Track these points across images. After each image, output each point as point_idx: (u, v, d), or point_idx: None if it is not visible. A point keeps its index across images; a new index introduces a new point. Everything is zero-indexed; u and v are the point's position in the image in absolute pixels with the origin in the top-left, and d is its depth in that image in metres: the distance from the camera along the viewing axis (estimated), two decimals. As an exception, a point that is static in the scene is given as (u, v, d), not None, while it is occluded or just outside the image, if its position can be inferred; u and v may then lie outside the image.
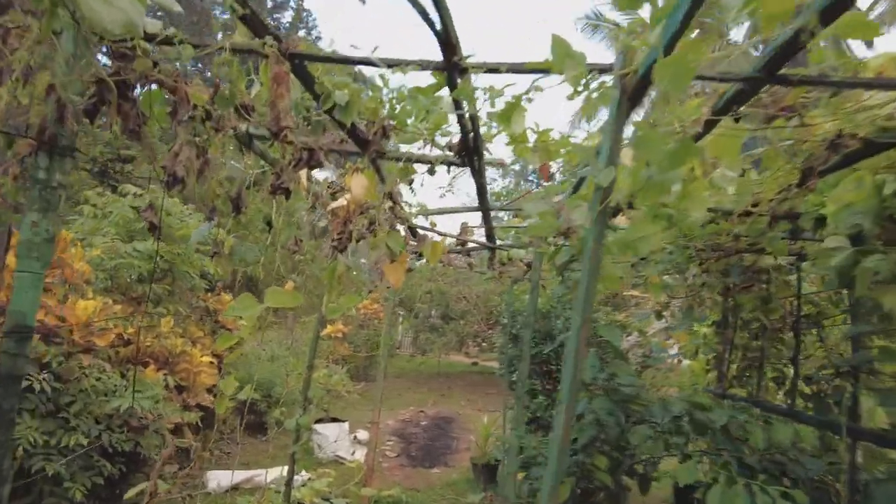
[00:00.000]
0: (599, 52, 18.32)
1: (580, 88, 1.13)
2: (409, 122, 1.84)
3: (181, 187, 1.55)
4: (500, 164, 2.08)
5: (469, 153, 1.78)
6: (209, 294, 7.66)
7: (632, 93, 1.11)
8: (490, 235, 3.38)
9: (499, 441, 6.73)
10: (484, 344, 14.36)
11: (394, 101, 1.72)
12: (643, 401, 2.03)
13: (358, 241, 3.00)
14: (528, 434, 5.62)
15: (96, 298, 4.63)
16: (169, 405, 4.80)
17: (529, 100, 1.35)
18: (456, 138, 1.82)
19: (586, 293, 1.08)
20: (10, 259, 4.22)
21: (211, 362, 6.11)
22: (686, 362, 6.36)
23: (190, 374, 5.63)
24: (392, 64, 1.30)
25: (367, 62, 1.34)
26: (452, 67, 1.27)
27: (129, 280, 5.69)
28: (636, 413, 2.05)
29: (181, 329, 6.29)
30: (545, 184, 2.36)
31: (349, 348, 12.42)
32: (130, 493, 2.22)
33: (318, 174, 2.94)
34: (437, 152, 2.07)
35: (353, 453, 7.37)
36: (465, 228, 3.40)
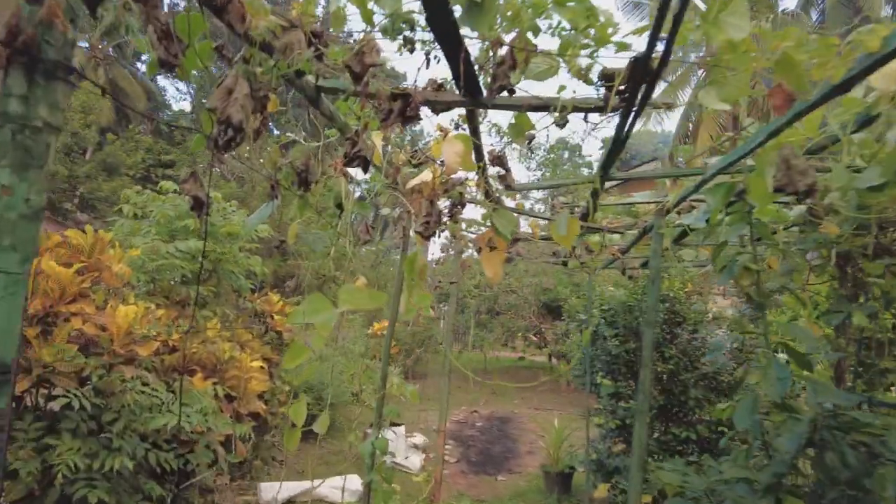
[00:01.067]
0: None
1: None
2: (539, 49, 1.29)
3: (238, 141, 1.05)
4: (667, 106, 1.52)
5: (639, 82, 1.22)
6: (256, 295, 7.32)
7: None
8: (588, 216, 2.81)
9: (572, 447, 6.16)
10: (534, 338, 13.75)
11: (527, 11, 1.17)
12: (874, 428, 1.46)
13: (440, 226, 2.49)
14: (612, 442, 5.03)
15: (137, 303, 4.26)
16: (219, 417, 4.41)
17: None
18: (608, 63, 1.26)
19: None
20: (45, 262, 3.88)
21: (261, 367, 5.72)
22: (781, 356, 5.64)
23: (240, 381, 5.24)
24: None
25: None
26: None
27: (173, 282, 5.33)
28: (859, 445, 1.48)
29: (228, 333, 5.93)
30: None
31: (397, 346, 12.02)
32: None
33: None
34: (565, 93, 1.51)
35: (419, 466, 6.89)
36: (556, 207, 2.85)
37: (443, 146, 1.82)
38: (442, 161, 1.96)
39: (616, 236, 3.45)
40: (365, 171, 1.78)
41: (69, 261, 3.78)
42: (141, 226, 5.71)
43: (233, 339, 6.07)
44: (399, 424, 7.40)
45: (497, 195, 1.75)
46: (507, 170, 1.69)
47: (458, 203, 2.35)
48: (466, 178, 2.24)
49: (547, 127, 1.60)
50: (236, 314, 6.57)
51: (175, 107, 31.22)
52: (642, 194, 3.03)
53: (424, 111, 1.63)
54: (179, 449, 4.01)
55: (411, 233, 2.42)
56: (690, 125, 20.54)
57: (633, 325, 4.62)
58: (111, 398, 3.52)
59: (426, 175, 2.10)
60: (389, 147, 2.08)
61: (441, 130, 1.83)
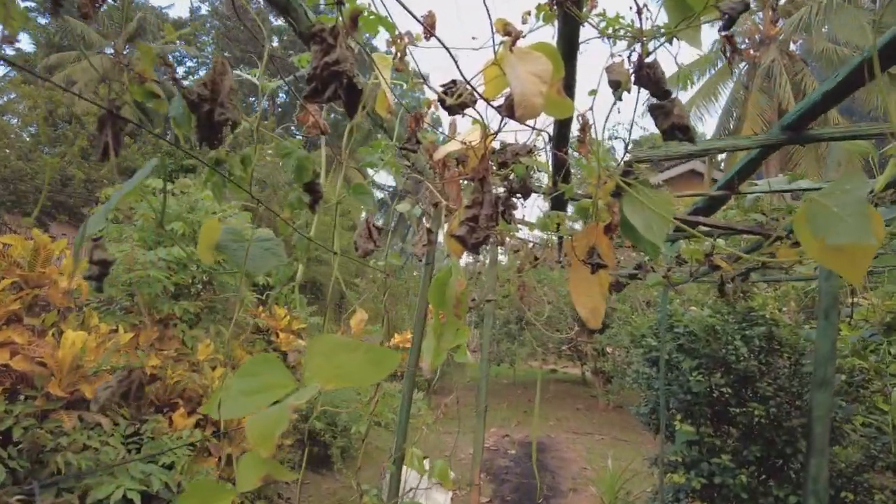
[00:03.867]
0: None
1: None
2: None
3: None
4: None
5: None
6: (261, 309, 6.50)
7: None
8: (716, 207, 1.87)
9: (629, 495, 5.15)
10: (569, 352, 12.71)
11: None
12: None
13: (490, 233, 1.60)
14: None
15: (99, 325, 3.43)
16: (199, 466, 3.55)
17: None
18: None
19: None
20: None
21: (260, 396, 4.84)
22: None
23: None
24: None
25: None
26: None
27: (154, 296, 4.50)
28: None
29: (224, 355, 5.09)
30: None
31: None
32: None
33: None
34: None
35: (440, 502, 5.97)
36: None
37: (507, 66, 0.91)
38: (503, 104, 1.04)
39: (720, 241, 2.50)
40: (351, 111, 0.86)
41: (1, 275, 2.96)
42: (125, 230, 4.92)
43: (230, 361, 5.24)
44: (423, 457, 6.46)
45: (627, 159, 0.82)
46: (667, 94, 0.76)
47: (519, 189, 1.44)
48: (533, 147, 1.33)
49: None
50: (235, 332, 5.75)
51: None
52: (768, 182, 2.06)
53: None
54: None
55: (441, 238, 1.50)
56: (732, 123, 19.29)
57: (720, 354, 3.63)
58: (46, 454, 2.67)
59: (472, 134, 1.18)
60: (405, 85, 1.17)
61: (506, 33, 0.91)
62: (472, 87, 1.02)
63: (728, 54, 0.76)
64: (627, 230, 0.81)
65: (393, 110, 1.12)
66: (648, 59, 0.75)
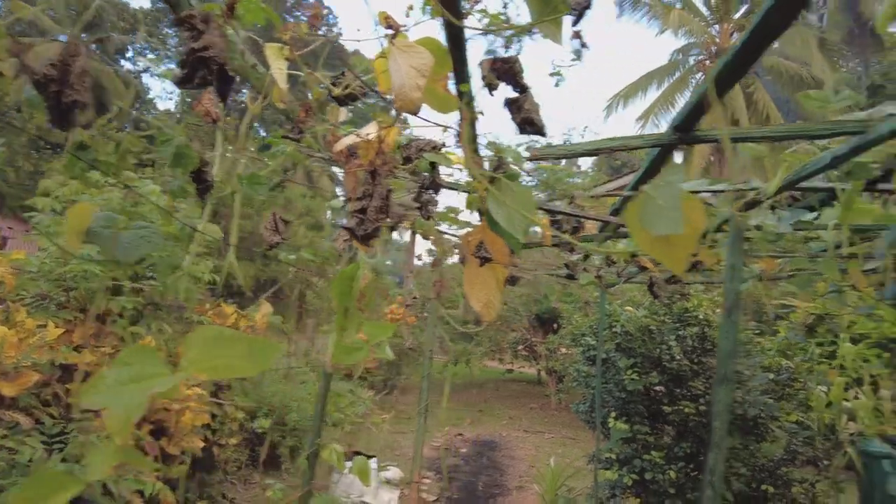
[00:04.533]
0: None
1: None
2: None
3: None
4: None
5: None
6: (208, 306, 6.35)
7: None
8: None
9: (570, 492, 5.24)
10: (524, 352, 12.86)
11: None
12: None
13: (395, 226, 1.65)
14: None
15: (26, 320, 3.30)
16: (134, 465, 3.45)
17: None
18: None
19: None
20: None
21: (201, 394, 4.75)
22: (819, 388, 4.78)
23: (170, 414, 4.27)
24: None
25: None
26: None
27: (92, 291, 4.35)
28: None
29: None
30: None
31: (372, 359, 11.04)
32: None
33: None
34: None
35: (386, 501, 5.96)
36: (574, 198, 1.94)
37: (390, 59, 0.92)
38: (396, 100, 1.06)
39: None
40: (223, 97, 0.86)
41: (-86, 265, 2.82)
42: (63, 224, 4.74)
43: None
44: (371, 456, 6.44)
45: (498, 157, 0.84)
46: (524, 89, 0.78)
47: (429, 185, 1.45)
48: (442, 143, 1.34)
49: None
50: (182, 329, 5.60)
51: (161, 106, 30.07)
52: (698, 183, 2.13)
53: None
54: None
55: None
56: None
57: (655, 354, 3.73)
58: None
59: (370, 127, 1.19)
60: (303, 75, 1.17)
61: (389, 26, 0.92)
62: (360, 78, 1.02)
63: (578, 48, 0.79)
64: (493, 224, 0.83)
65: (286, 101, 1.12)
66: (505, 54, 0.77)
